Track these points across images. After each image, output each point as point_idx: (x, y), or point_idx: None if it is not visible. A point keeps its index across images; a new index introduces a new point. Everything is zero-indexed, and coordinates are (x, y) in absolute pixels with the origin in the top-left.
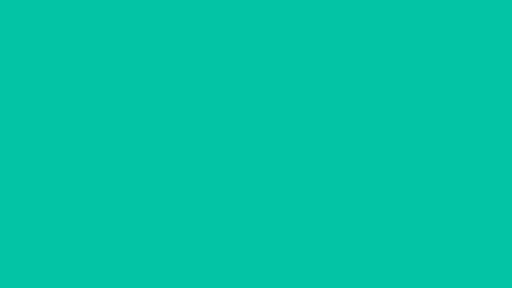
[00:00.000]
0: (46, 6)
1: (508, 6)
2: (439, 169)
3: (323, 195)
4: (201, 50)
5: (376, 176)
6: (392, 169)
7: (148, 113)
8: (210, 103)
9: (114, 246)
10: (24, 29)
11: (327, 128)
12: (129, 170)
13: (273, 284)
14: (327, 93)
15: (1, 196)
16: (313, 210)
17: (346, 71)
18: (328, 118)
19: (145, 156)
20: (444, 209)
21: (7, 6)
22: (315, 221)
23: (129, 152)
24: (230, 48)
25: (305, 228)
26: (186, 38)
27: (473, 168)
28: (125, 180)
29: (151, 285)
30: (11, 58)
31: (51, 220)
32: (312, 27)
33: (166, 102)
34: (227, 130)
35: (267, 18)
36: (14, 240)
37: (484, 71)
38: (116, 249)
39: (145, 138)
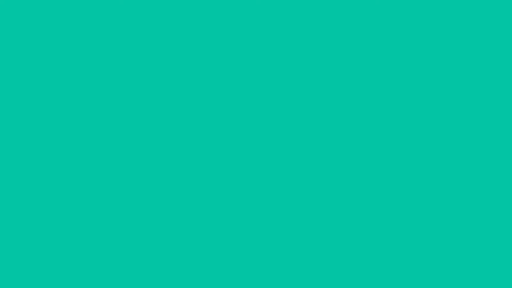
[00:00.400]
0: (46, 6)
1: (508, 6)
2: (439, 169)
3: (323, 195)
4: (201, 50)
5: (376, 176)
6: (392, 169)
7: (148, 112)
8: (210, 103)
9: (114, 246)
10: (24, 29)
11: (327, 128)
12: (129, 170)
13: (273, 284)
14: (327, 93)
15: (1, 196)
16: (313, 210)
17: (346, 71)
18: (328, 118)
19: (145, 155)
20: (444, 209)
21: (7, 6)
22: (315, 221)
23: (129, 151)
24: (230, 48)
25: (305, 228)
26: (187, 38)
27: (473, 168)
28: (125, 180)
29: (151, 285)
30: (11, 58)
31: (51, 220)
32: (312, 27)
33: (166, 102)
34: (227, 130)
35: (268, 18)
36: (14, 240)
37: (484, 71)
38: (116, 249)
39: (145, 137)
